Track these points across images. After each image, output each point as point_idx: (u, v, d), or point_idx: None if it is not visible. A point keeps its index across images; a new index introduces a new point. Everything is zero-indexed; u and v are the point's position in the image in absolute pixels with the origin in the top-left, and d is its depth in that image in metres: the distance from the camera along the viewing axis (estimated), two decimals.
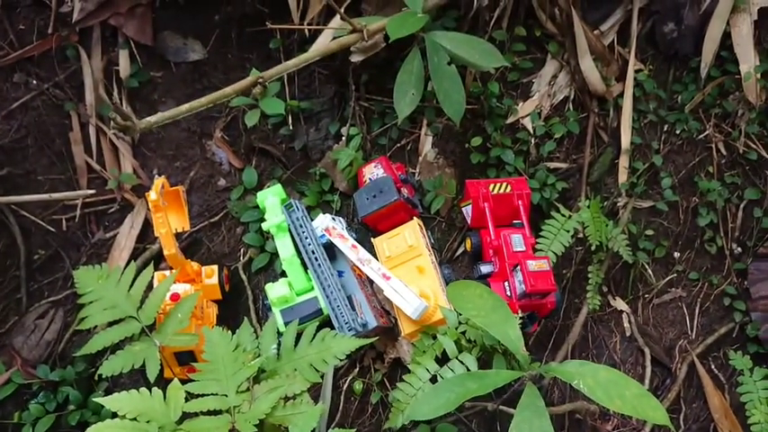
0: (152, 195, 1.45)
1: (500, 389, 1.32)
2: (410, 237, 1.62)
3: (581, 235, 1.76)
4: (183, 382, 1.30)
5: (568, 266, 1.81)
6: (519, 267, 1.56)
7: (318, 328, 1.40)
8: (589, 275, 1.73)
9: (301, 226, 1.57)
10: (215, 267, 1.64)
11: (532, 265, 1.54)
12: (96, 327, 1.54)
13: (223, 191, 1.89)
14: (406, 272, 1.60)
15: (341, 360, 1.35)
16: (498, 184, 1.72)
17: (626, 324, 1.82)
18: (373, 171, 1.74)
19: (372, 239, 1.68)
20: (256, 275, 1.76)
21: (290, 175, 1.89)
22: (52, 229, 1.81)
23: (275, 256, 1.72)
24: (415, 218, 1.66)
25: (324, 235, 1.60)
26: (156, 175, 1.61)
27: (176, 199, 1.60)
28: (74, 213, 1.82)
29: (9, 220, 1.78)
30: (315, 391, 1.60)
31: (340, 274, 1.61)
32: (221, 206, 1.86)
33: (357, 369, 1.65)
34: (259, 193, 1.73)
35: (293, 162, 1.90)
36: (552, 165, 1.86)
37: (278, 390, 1.27)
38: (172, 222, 1.55)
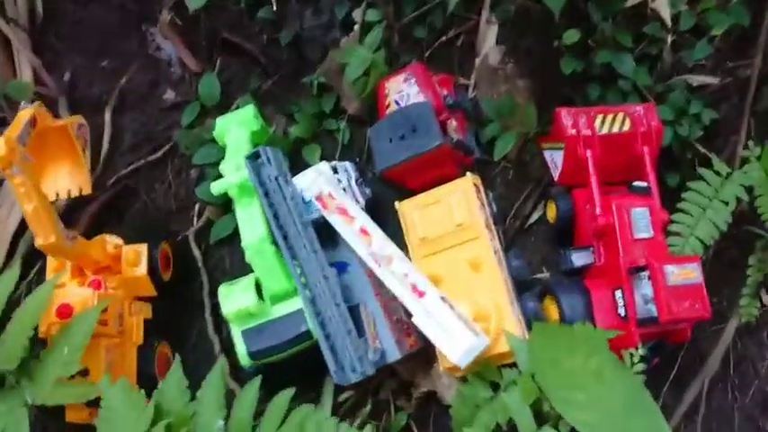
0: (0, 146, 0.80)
1: None
2: (460, 208, 0.97)
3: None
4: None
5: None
6: (647, 273, 0.92)
7: (306, 361, 0.82)
8: (748, 271, 1.07)
9: (275, 191, 0.92)
10: (142, 249, 1.02)
11: (673, 273, 0.89)
12: None
13: (171, 108, 1.24)
14: (450, 268, 0.98)
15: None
16: (610, 116, 1.03)
17: None
18: (402, 88, 1.07)
19: (397, 204, 1.03)
20: (218, 249, 1.15)
21: (273, 87, 1.22)
22: None
23: None
24: (468, 174, 1.00)
25: (315, 206, 0.95)
26: (27, 104, 0.93)
27: (64, 143, 0.95)
28: None
29: None
30: None
31: (341, 267, 0.99)
32: (167, 134, 1.22)
33: (369, 405, 1.07)
34: (218, 120, 1.10)
35: (278, 64, 1.23)
36: (696, 79, 1.14)
37: None
38: (56, 185, 0.92)
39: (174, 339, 1.08)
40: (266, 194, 0.92)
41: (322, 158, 1.16)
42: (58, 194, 0.95)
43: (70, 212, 1.12)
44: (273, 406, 0.79)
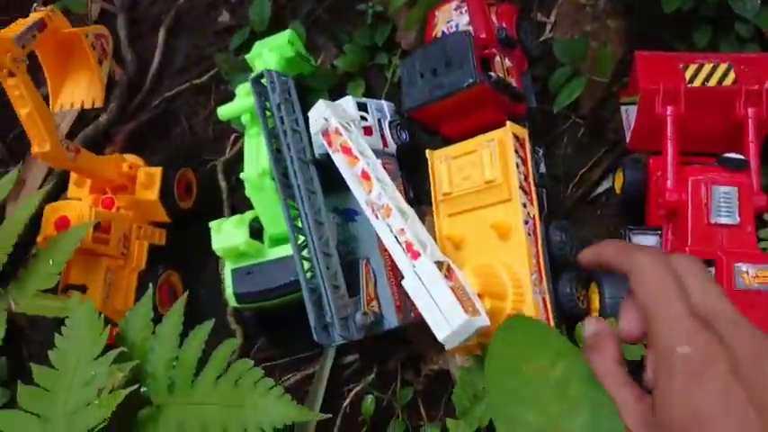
0: None
1: None
2: (491, 163, 0.81)
3: None
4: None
5: None
6: (714, 269, 0.71)
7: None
8: None
9: (281, 121, 0.82)
10: (156, 172, 0.97)
11: (747, 275, 0.67)
12: None
13: (225, 32, 1.17)
14: (474, 232, 0.83)
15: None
16: (708, 65, 0.80)
17: None
18: (452, 17, 0.91)
19: (428, 153, 0.89)
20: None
21: (323, 14, 1.11)
22: None
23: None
24: (509, 123, 0.83)
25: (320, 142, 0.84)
26: (40, 7, 0.90)
27: (75, 50, 0.91)
28: None
29: None
30: (301, 389, 0.96)
31: (350, 214, 0.87)
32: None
33: (374, 374, 0.96)
34: (256, 44, 1.01)
35: None
36: None
37: None
38: (72, 96, 0.89)
39: (187, 272, 1.04)
40: (266, 124, 0.82)
41: (367, 96, 1.05)
42: (72, 105, 0.93)
43: (109, 129, 1.11)
44: (214, 357, 0.70)
